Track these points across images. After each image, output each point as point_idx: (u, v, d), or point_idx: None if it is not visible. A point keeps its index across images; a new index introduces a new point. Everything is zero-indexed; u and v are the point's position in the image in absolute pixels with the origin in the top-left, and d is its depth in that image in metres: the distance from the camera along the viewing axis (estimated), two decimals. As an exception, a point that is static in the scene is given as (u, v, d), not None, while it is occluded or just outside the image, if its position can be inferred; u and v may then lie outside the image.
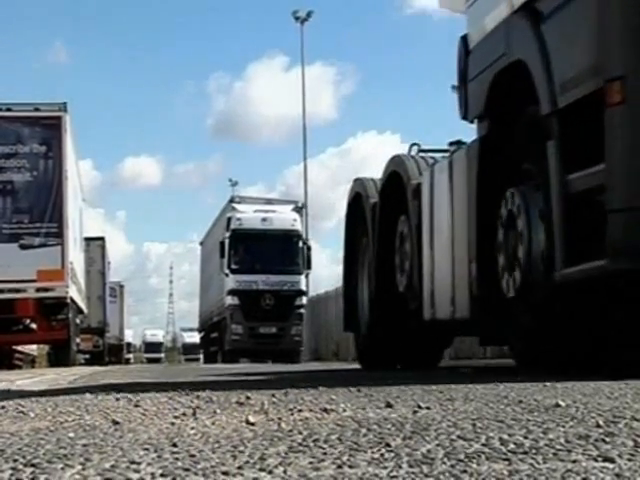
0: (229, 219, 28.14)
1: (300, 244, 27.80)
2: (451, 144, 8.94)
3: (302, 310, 28.11)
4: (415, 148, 10.25)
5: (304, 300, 28.35)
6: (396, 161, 10.14)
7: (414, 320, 9.28)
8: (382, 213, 10.42)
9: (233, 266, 27.56)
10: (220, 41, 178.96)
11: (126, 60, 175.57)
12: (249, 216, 27.91)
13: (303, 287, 28.20)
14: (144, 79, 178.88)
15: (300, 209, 29.87)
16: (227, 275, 27.67)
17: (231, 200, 30.47)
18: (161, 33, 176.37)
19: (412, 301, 9.43)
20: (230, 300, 27.62)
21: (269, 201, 31.00)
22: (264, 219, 27.68)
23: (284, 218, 28.10)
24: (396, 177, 9.94)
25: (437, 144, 10.44)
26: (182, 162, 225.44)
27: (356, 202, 11.44)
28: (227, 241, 27.68)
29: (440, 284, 8.57)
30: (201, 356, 77.37)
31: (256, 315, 26.93)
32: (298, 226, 28.15)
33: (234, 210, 28.63)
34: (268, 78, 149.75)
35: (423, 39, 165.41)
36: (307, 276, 28.79)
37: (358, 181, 11.49)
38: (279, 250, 27.31)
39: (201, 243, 41.79)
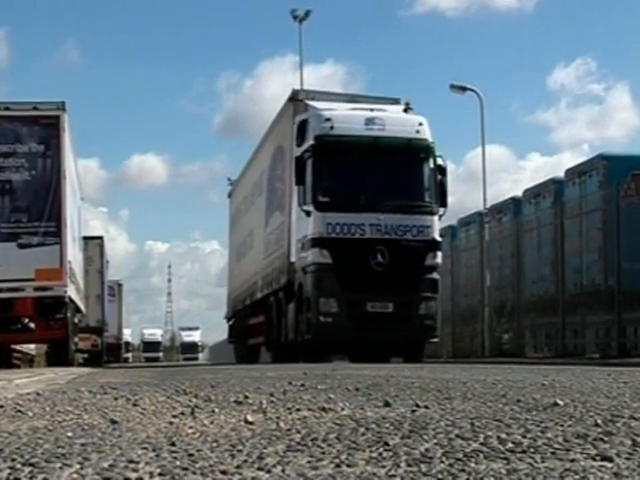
0: (304, 122, 16.77)
1: (431, 164, 16.74)
2: None
3: (436, 275, 16.70)
4: None
5: (439, 258, 16.89)
6: None
7: None
8: None
9: (321, 198, 16.22)
10: (233, 40, 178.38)
11: (135, 58, 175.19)
12: (344, 114, 16.69)
13: (437, 235, 16.79)
14: (153, 77, 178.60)
15: (406, 112, 17.86)
16: (309, 214, 16.23)
17: (292, 97, 18.40)
18: (172, 30, 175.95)
19: None
20: (315, 256, 16.15)
21: (353, 98, 18.48)
22: (370, 120, 16.55)
23: (404, 119, 17.04)
24: None
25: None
26: (188, 161, 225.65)
27: None
28: (307, 156, 16.37)
29: None
30: (200, 355, 77.48)
31: (361, 282, 15.96)
32: (427, 134, 16.76)
33: (311, 109, 17.18)
34: (278, 77, 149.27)
35: (434, 38, 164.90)
36: (441, 218, 17.10)
37: None
38: (398, 173, 16.61)
39: (229, 195, 29.69)
